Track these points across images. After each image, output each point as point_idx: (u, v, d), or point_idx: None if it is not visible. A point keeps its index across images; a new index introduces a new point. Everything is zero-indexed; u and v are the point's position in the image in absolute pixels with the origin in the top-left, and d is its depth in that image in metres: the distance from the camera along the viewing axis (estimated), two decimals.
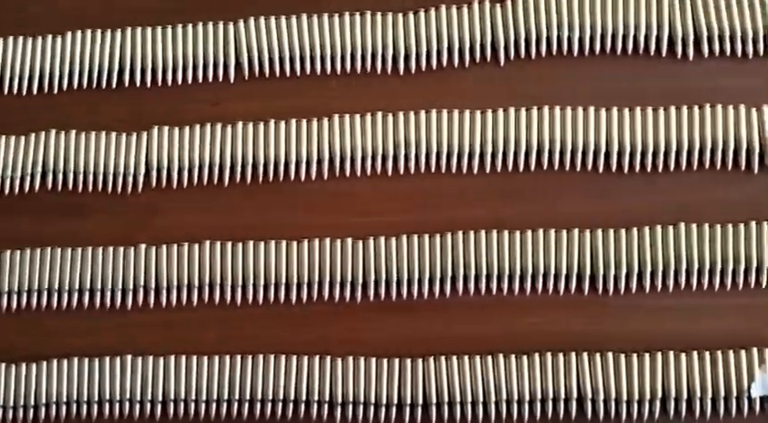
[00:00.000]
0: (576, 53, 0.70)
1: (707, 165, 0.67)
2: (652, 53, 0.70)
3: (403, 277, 0.67)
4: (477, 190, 0.69)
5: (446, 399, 0.65)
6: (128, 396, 0.67)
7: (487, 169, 0.69)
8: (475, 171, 0.69)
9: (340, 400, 0.66)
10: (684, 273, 0.66)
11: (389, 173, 0.70)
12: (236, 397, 0.66)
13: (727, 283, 0.66)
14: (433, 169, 0.69)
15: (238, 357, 0.67)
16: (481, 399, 0.65)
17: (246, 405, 0.66)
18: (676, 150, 0.68)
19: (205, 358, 0.67)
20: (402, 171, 0.70)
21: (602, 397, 0.64)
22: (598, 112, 0.69)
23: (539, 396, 0.65)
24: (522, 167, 0.69)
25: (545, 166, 0.69)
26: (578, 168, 0.68)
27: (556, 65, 0.71)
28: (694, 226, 0.66)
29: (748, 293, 0.65)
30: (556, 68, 0.70)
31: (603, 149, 0.68)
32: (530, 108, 0.69)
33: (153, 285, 0.69)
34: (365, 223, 0.69)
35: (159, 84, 0.74)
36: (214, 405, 0.67)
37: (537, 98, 0.70)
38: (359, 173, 0.70)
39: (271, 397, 0.67)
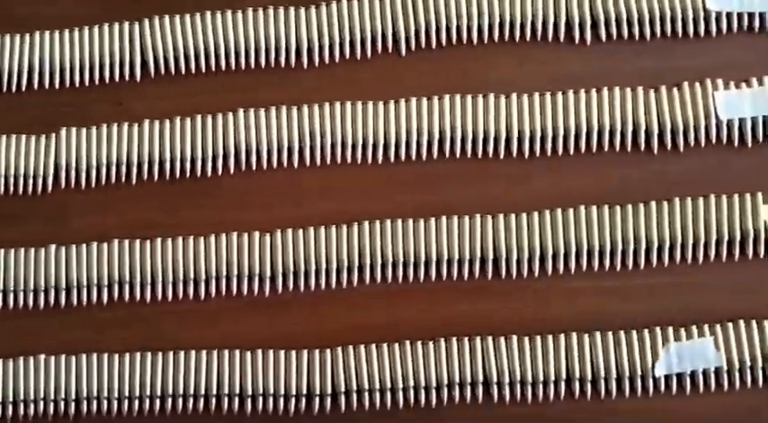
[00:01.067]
0: (475, 42, 0.70)
1: (606, 147, 0.67)
2: (550, 39, 0.70)
3: (310, 269, 0.67)
4: (381, 180, 0.68)
5: (354, 387, 0.65)
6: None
7: (391, 159, 0.69)
8: (379, 161, 0.69)
9: (250, 393, 0.66)
10: (586, 255, 0.66)
11: (295, 166, 0.69)
12: (148, 393, 0.66)
13: (628, 264, 0.65)
14: (338, 161, 0.69)
15: (149, 355, 0.67)
16: (389, 386, 0.65)
17: (158, 401, 0.66)
18: (575, 134, 0.67)
19: (116, 356, 0.67)
20: (308, 163, 0.69)
21: (507, 380, 0.64)
22: (498, 100, 0.68)
23: (445, 382, 0.65)
24: (425, 156, 0.68)
25: (447, 155, 0.68)
26: (479, 155, 0.68)
27: (457, 54, 0.70)
28: (594, 208, 0.66)
29: (651, 274, 0.65)
30: (457, 58, 0.70)
31: (504, 136, 0.68)
32: (431, 97, 0.69)
33: (63, 286, 0.69)
34: (272, 218, 0.68)
35: (67, 85, 0.73)
36: (126, 402, 0.66)
37: (438, 88, 0.69)
38: (265, 167, 0.69)
39: (182, 392, 0.66)
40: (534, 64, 0.69)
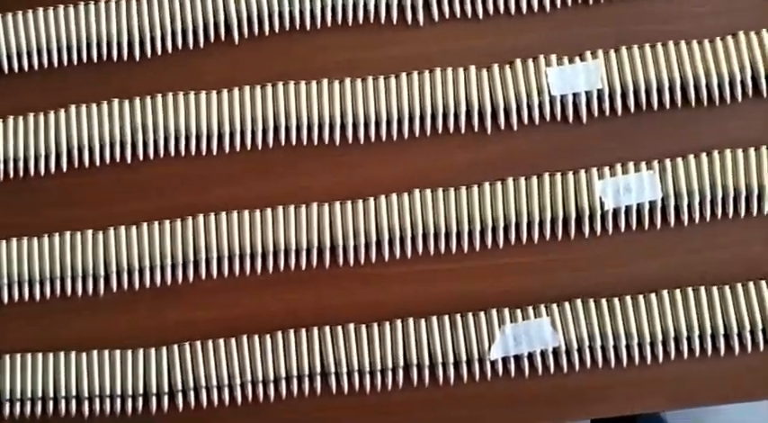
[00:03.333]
0: (308, 27, 0.67)
1: (440, 130, 0.64)
2: (383, 21, 0.67)
3: (144, 266, 0.64)
4: (220, 171, 0.65)
5: (191, 385, 0.62)
6: None
7: (226, 149, 0.65)
8: (214, 152, 0.66)
9: (86, 394, 0.63)
10: (421, 238, 0.63)
11: (129, 161, 0.66)
12: None
13: (464, 246, 0.63)
14: (172, 153, 0.66)
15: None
16: (227, 382, 0.62)
17: None
18: (409, 117, 0.65)
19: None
20: (141, 158, 0.66)
21: (345, 370, 0.62)
22: (332, 85, 0.65)
23: (283, 375, 0.62)
24: (260, 145, 0.65)
25: (283, 142, 0.65)
26: (315, 142, 0.65)
27: (291, 40, 0.67)
28: (429, 192, 0.63)
29: (488, 255, 0.63)
30: (291, 44, 0.67)
31: (339, 122, 0.65)
32: (264, 85, 0.66)
33: None
34: (106, 214, 0.65)
35: None
36: None
37: (273, 75, 0.66)
38: (98, 163, 0.66)
39: (19, 396, 0.63)
40: (369, 47, 0.66)
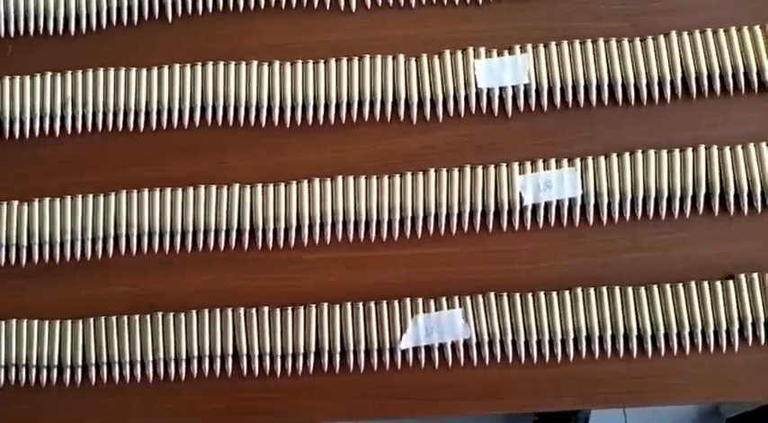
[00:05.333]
0: (242, 9, 0.66)
1: (366, 117, 0.63)
2: (316, 7, 0.65)
3: (65, 239, 0.63)
4: (146, 148, 0.64)
5: (105, 360, 0.61)
6: None
7: (153, 127, 0.64)
8: (141, 129, 0.65)
9: (3, 363, 0.62)
10: (341, 225, 0.62)
11: (57, 135, 0.65)
12: None
13: (382, 234, 0.61)
14: (99, 129, 0.65)
15: None
16: (139, 358, 0.61)
17: None
18: (336, 103, 0.63)
19: None
20: (69, 132, 0.65)
21: (256, 353, 0.61)
22: (261, 67, 0.64)
23: (195, 354, 0.61)
24: (187, 124, 0.64)
25: (209, 123, 0.64)
26: (242, 124, 0.64)
27: (225, 21, 0.66)
28: (351, 179, 0.62)
29: (404, 245, 0.61)
30: (225, 25, 0.66)
31: (266, 105, 0.64)
32: (195, 64, 0.64)
33: None
34: (31, 187, 0.64)
35: None
36: None
37: (204, 55, 0.65)
38: (27, 136, 0.65)
39: None
40: (301, 32, 0.65)
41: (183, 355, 0.60)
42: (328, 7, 0.65)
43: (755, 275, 0.58)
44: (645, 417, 1.12)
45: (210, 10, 0.65)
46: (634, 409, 1.10)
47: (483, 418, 1.05)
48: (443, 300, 0.59)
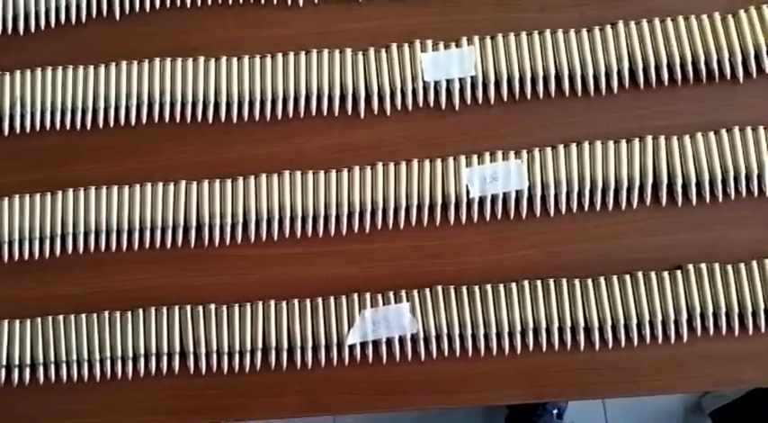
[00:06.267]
0: (189, 5, 0.65)
1: (314, 112, 0.62)
2: (263, 1, 0.65)
3: (5, 240, 0.62)
4: (91, 146, 0.63)
5: (52, 359, 0.60)
6: None
7: (100, 125, 0.63)
8: (88, 127, 0.64)
9: None
10: (288, 221, 0.61)
11: (6, 133, 0.64)
12: None
13: (330, 229, 0.60)
14: (48, 127, 0.64)
15: None
16: (86, 357, 0.60)
17: None
18: (283, 98, 0.62)
19: None
20: (18, 130, 0.64)
21: (203, 350, 0.60)
22: (207, 63, 0.63)
23: (142, 352, 0.60)
24: (133, 121, 0.63)
25: (156, 119, 0.63)
26: (189, 120, 0.63)
27: (171, 17, 0.65)
28: (299, 173, 0.61)
29: (350, 240, 0.60)
30: (171, 20, 0.65)
31: (213, 100, 0.63)
32: (141, 61, 0.64)
33: None
34: None
35: None
36: None
37: (151, 51, 0.64)
38: None
39: None
40: (248, 27, 0.64)
41: (130, 354, 0.59)
42: (275, 2, 0.64)
43: (703, 266, 0.57)
44: (625, 410, 1.11)
45: (158, 7, 0.64)
46: (613, 404, 1.09)
47: (459, 411, 1.04)
48: (391, 294, 0.58)
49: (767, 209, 0.58)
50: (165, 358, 0.59)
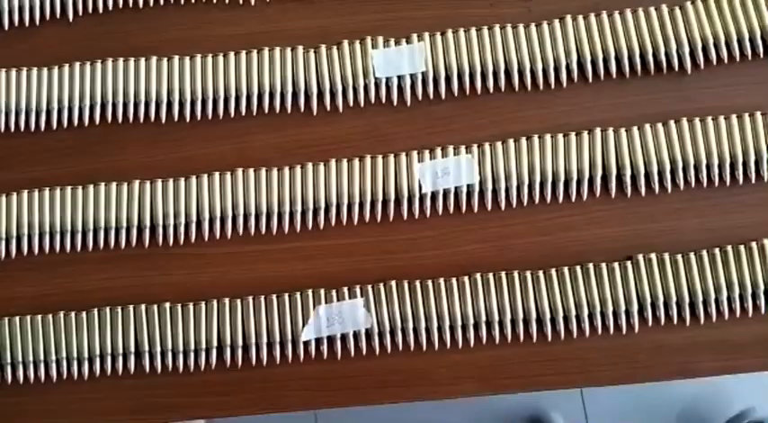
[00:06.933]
0: (141, 5, 0.65)
1: (266, 109, 0.62)
2: (215, 1, 0.65)
3: None
4: (43, 148, 0.63)
5: (8, 360, 0.60)
6: None
7: (53, 126, 0.63)
8: (42, 129, 0.64)
9: None
10: (242, 219, 0.61)
11: None
12: None
13: (284, 227, 0.60)
14: (2, 129, 0.64)
15: None
16: (42, 358, 0.60)
17: None
18: (236, 96, 0.62)
19: None
20: None
21: (159, 349, 0.59)
22: (159, 63, 0.63)
23: (98, 353, 0.60)
24: (86, 122, 0.63)
25: (109, 119, 0.63)
26: (141, 120, 0.63)
27: (122, 17, 0.64)
28: (252, 171, 0.61)
29: (305, 236, 0.60)
30: (121, 20, 0.64)
31: (165, 100, 0.63)
32: (93, 62, 0.64)
33: None
34: None
35: None
36: None
37: (101, 51, 0.64)
38: None
39: None
40: (200, 25, 0.64)
41: (86, 354, 0.59)
42: (227, 1, 0.64)
43: (653, 256, 0.57)
44: (607, 410, 1.11)
45: (110, 8, 0.64)
46: (594, 403, 1.09)
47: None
48: (345, 290, 0.58)
49: (716, 197, 0.58)
50: (120, 358, 0.59)
